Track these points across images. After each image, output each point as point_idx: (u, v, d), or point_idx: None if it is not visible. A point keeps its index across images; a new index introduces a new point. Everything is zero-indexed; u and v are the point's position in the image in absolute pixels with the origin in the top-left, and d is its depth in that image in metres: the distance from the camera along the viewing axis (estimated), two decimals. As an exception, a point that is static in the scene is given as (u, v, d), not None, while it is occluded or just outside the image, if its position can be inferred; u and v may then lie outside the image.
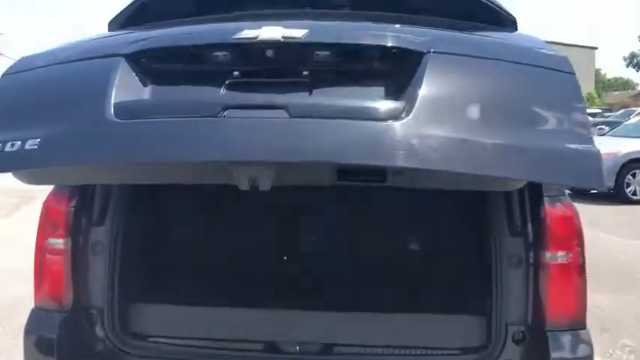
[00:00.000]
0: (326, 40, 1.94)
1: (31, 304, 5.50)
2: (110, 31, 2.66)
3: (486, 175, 1.82)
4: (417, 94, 1.76)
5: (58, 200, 2.47)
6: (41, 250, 2.47)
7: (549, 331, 2.23)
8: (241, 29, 1.90)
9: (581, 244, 2.32)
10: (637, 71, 74.60)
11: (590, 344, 2.31)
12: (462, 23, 2.47)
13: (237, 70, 1.92)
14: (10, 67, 2.20)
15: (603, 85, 78.51)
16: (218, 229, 2.85)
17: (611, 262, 7.45)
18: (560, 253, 2.26)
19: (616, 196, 12.47)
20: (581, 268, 2.33)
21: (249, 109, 1.80)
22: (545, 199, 2.26)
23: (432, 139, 1.72)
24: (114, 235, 2.49)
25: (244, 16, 2.39)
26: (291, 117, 1.74)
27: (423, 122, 1.73)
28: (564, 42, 56.98)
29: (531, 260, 2.29)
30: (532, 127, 1.80)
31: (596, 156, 1.75)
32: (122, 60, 1.95)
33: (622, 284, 6.44)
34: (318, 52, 1.91)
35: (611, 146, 12.79)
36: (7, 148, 1.84)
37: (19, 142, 1.84)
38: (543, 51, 2.08)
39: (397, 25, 2.15)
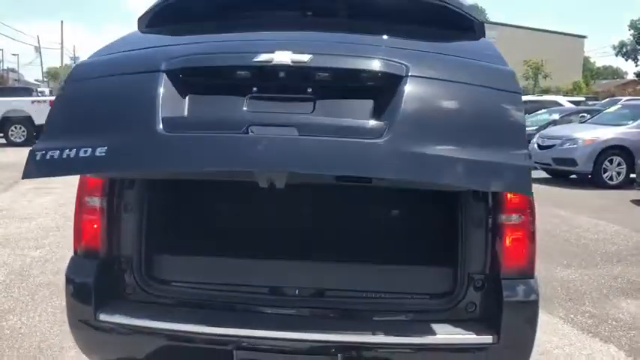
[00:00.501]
0: (325, 65, 2.36)
1: (40, 270, 5.88)
2: (140, 29, 3.07)
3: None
4: (395, 115, 2.20)
5: None
6: (80, 207, 2.87)
7: (503, 279, 2.65)
8: (260, 53, 2.31)
9: (532, 209, 2.72)
10: (626, 60, 75.14)
11: (536, 291, 2.69)
12: (435, 34, 2.90)
13: (257, 86, 2.35)
14: (70, 75, 2.60)
15: (592, 73, 78.99)
16: (231, 195, 3.26)
17: (582, 241, 7.98)
18: (514, 216, 2.67)
19: (594, 181, 13.02)
20: (531, 228, 2.72)
21: (268, 126, 2.21)
22: None
23: (404, 155, 2.16)
24: (142, 196, 2.91)
25: (257, 25, 2.88)
26: (299, 134, 2.18)
27: (399, 140, 2.15)
28: (553, 30, 57.44)
29: (490, 221, 2.74)
30: (480, 143, 2.21)
31: (527, 170, 2.18)
32: (164, 76, 2.33)
33: (589, 261, 6.95)
34: (319, 74, 2.35)
35: (590, 134, 13.33)
36: (81, 154, 2.19)
37: (90, 149, 2.18)
38: (497, 69, 2.50)
39: (382, 45, 2.61)
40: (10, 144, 20.93)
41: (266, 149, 2.15)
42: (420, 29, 2.91)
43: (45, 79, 66.66)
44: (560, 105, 20.32)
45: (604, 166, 12.95)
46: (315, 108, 2.31)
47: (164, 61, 2.39)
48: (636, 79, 71.82)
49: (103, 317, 2.73)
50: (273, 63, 2.29)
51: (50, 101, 21.78)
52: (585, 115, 16.45)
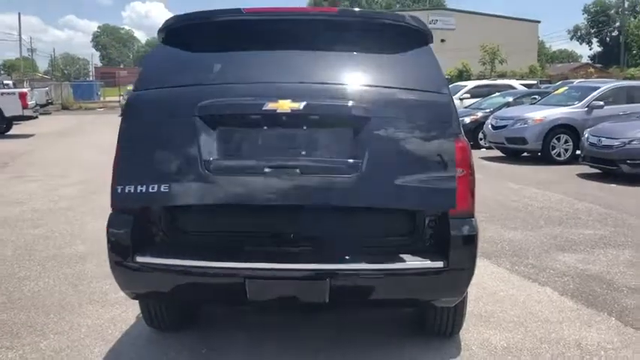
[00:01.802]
0: (314, 112, 3.24)
1: (44, 245, 6.48)
2: (160, 39, 3.76)
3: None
4: (366, 154, 3.18)
5: None
6: None
7: (450, 218, 3.41)
8: (268, 102, 3.21)
9: (471, 165, 3.48)
10: (580, 44, 77.18)
11: (475, 228, 3.47)
12: (391, 57, 3.61)
13: (266, 125, 3.28)
14: (129, 109, 3.44)
15: (547, 57, 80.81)
16: None
17: (529, 208, 8.87)
18: (459, 170, 3.38)
19: (543, 157, 13.99)
20: (471, 179, 3.48)
21: (279, 168, 3.18)
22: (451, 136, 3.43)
23: (372, 186, 3.16)
24: None
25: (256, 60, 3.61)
26: (301, 173, 3.16)
27: (369, 175, 3.16)
28: (508, 15, 58.75)
29: None
30: (420, 171, 3.23)
31: (452, 192, 3.23)
32: (201, 121, 3.25)
33: (534, 224, 7.85)
34: (311, 117, 3.24)
35: (540, 114, 14.28)
36: (150, 190, 3.20)
37: (156, 187, 3.19)
38: (435, 104, 3.37)
39: (353, 85, 3.40)
40: (-20, 136, 21.13)
41: (279, 186, 3.20)
42: (380, 52, 3.63)
43: (2, 72, 65.62)
44: (514, 88, 21.29)
45: (552, 143, 13.88)
46: (309, 144, 3.27)
47: (200, 107, 3.28)
48: (590, 62, 73.97)
49: (139, 259, 3.42)
50: (278, 112, 3.22)
51: (19, 93, 21.97)
52: (536, 97, 17.39)
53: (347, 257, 3.42)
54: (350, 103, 3.29)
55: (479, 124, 16.63)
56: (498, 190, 10.25)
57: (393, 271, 3.39)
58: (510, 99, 18.17)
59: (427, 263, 3.39)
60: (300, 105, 3.21)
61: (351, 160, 3.20)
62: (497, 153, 15.44)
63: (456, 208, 3.38)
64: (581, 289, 5.37)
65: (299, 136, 3.29)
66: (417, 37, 3.70)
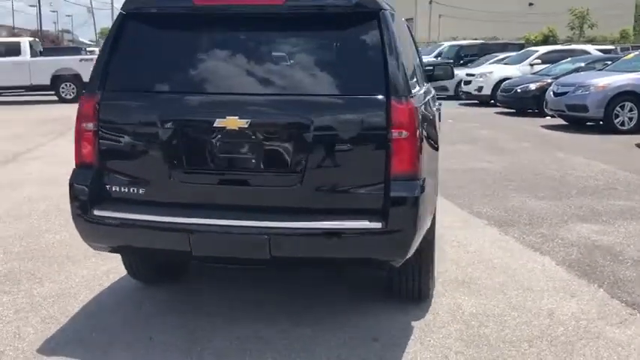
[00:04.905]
0: (259, 130, 3.49)
1: (25, 242, 6.74)
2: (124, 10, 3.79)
3: None
4: (309, 161, 3.44)
5: (89, 99, 3.69)
6: (79, 131, 3.70)
7: (392, 180, 3.40)
8: (217, 118, 3.46)
9: (416, 127, 3.44)
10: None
11: (417, 189, 3.42)
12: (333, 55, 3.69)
13: (220, 134, 3.50)
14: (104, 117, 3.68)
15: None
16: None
17: (566, 178, 8.56)
18: (403, 132, 3.38)
19: (606, 126, 13.32)
20: (416, 142, 3.44)
21: (233, 184, 3.62)
22: (393, 98, 3.41)
23: (313, 196, 3.49)
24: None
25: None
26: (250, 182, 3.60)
27: (309, 185, 3.47)
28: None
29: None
30: (358, 176, 3.50)
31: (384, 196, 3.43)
32: (167, 131, 3.58)
33: (563, 194, 7.59)
34: (254, 134, 3.49)
35: (604, 80, 13.56)
36: (127, 190, 3.66)
37: (135, 189, 3.65)
38: (370, 106, 3.48)
39: (296, 94, 3.58)
40: (62, 100, 22.19)
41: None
42: (325, 47, 3.73)
43: (100, 39, 68.29)
44: (588, 53, 20.23)
45: (616, 111, 13.15)
46: (257, 152, 3.54)
47: (167, 118, 3.61)
48: (695, 26, 68.96)
49: (96, 212, 3.63)
50: (227, 129, 3.49)
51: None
52: (608, 62, 16.49)
53: (286, 216, 3.49)
54: (290, 118, 3.53)
55: (544, 92, 15.95)
56: (541, 159, 9.93)
57: (332, 231, 3.42)
58: (582, 64, 17.31)
59: (365, 224, 3.40)
60: (246, 123, 3.44)
61: (292, 174, 3.48)
62: (561, 122, 14.84)
63: (398, 169, 3.39)
64: (583, 259, 5.21)
65: (247, 145, 3.54)
66: (366, 20, 3.59)
